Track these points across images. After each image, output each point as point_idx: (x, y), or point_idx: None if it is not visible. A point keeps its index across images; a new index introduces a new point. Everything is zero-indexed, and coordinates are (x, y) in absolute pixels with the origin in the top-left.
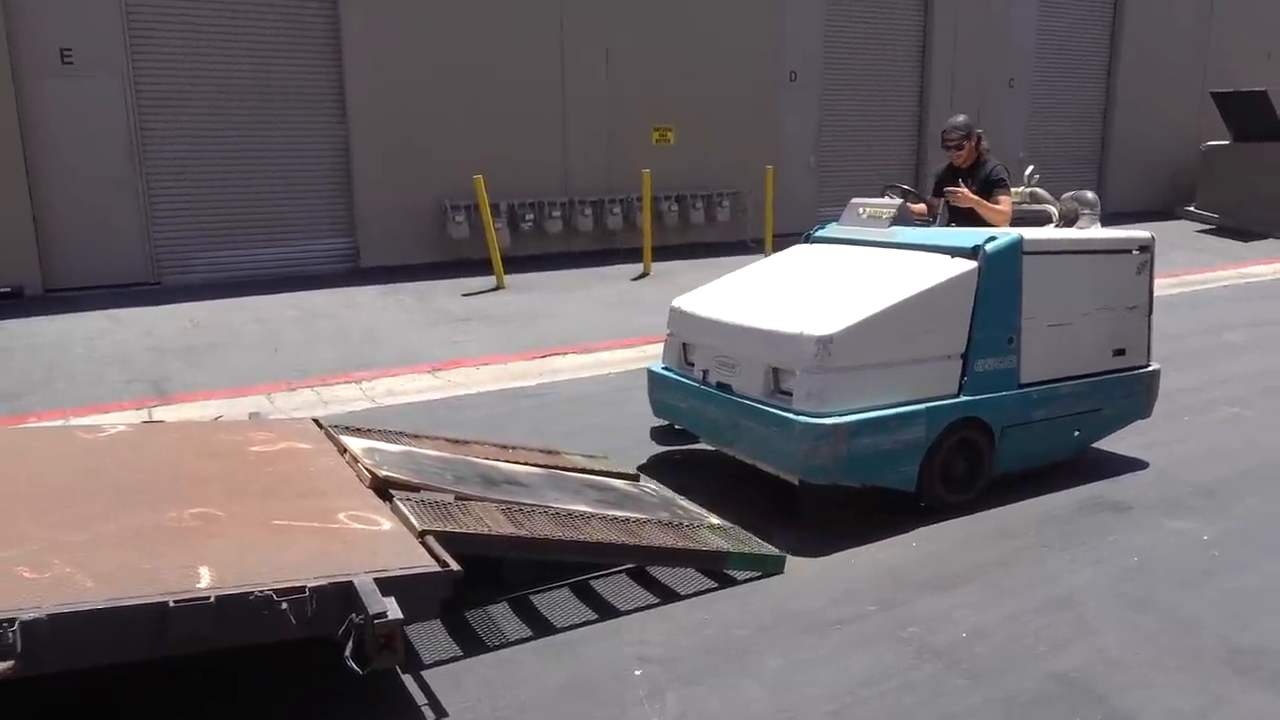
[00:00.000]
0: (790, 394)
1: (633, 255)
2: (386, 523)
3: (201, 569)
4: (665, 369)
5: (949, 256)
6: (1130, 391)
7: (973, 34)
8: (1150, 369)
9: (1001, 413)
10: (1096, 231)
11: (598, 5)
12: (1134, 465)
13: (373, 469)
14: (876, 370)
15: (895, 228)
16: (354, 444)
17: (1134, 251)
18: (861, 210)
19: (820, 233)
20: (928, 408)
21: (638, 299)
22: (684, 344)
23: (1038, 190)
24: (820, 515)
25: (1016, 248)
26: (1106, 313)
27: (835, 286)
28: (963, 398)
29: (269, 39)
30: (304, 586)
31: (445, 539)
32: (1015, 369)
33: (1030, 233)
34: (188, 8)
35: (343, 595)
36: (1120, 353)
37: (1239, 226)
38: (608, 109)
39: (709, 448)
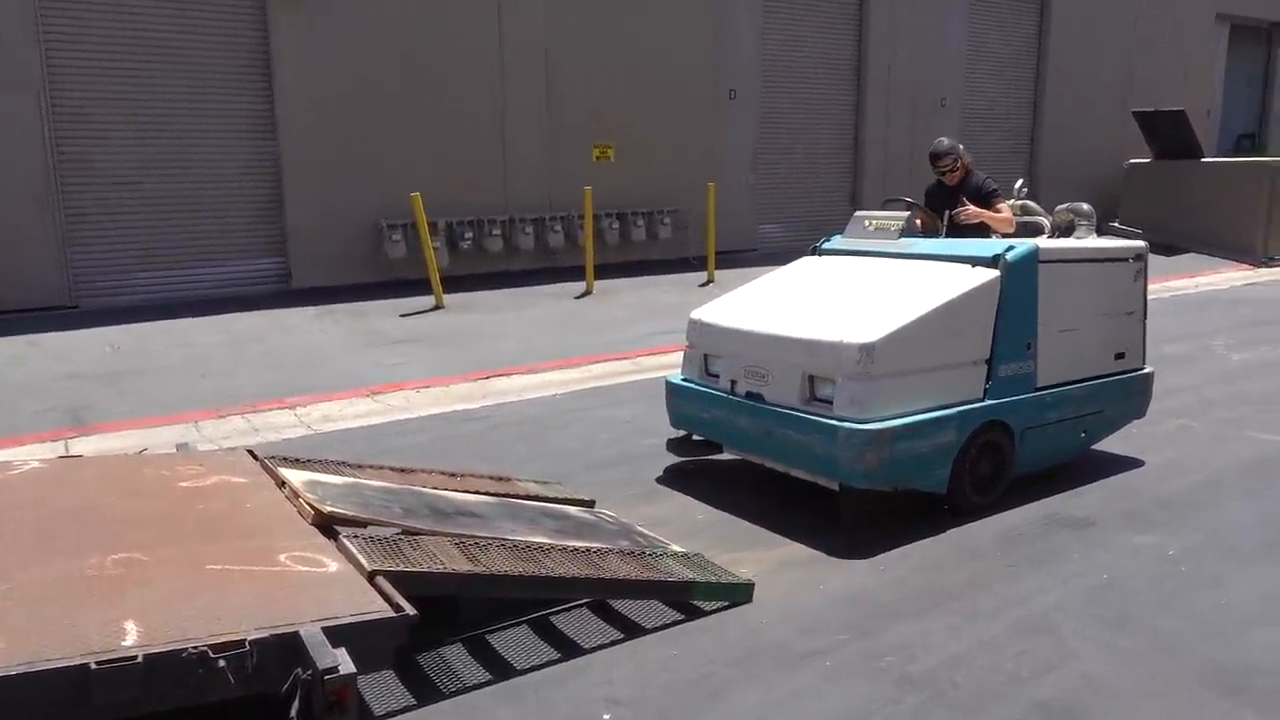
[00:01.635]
0: (827, 401)
1: (575, 273)
2: (333, 563)
3: (127, 624)
4: (685, 380)
5: (970, 266)
6: (1130, 393)
7: (906, 55)
8: (1146, 371)
9: (1022, 415)
10: (1097, 241)
11: (537, 23)
12: (1089, 478)
13: (316, 504)
14: (912, 376)
15: (906, 239)
16: (294, 476)
17: (1131, 260)
18: (868, 223)
19: (828, 245)
20: (959, 412)
21: (582, 318)
22: (705, 355)
23: (1028, 203)
24: (861, 518)
25: (1034, 257)
26: (1108, 318)
27: (864, 295)
28: (988, 401)
29: (194, 53)
30: (244, 640)
31: (397, 579)
32: (1033, 373)
33: (1044, 242)
34: (106, 21)
35: (287, 648)
36: (1120, 356)
37: (1162, 241)
38: (548, 126)
39: (733, 457)
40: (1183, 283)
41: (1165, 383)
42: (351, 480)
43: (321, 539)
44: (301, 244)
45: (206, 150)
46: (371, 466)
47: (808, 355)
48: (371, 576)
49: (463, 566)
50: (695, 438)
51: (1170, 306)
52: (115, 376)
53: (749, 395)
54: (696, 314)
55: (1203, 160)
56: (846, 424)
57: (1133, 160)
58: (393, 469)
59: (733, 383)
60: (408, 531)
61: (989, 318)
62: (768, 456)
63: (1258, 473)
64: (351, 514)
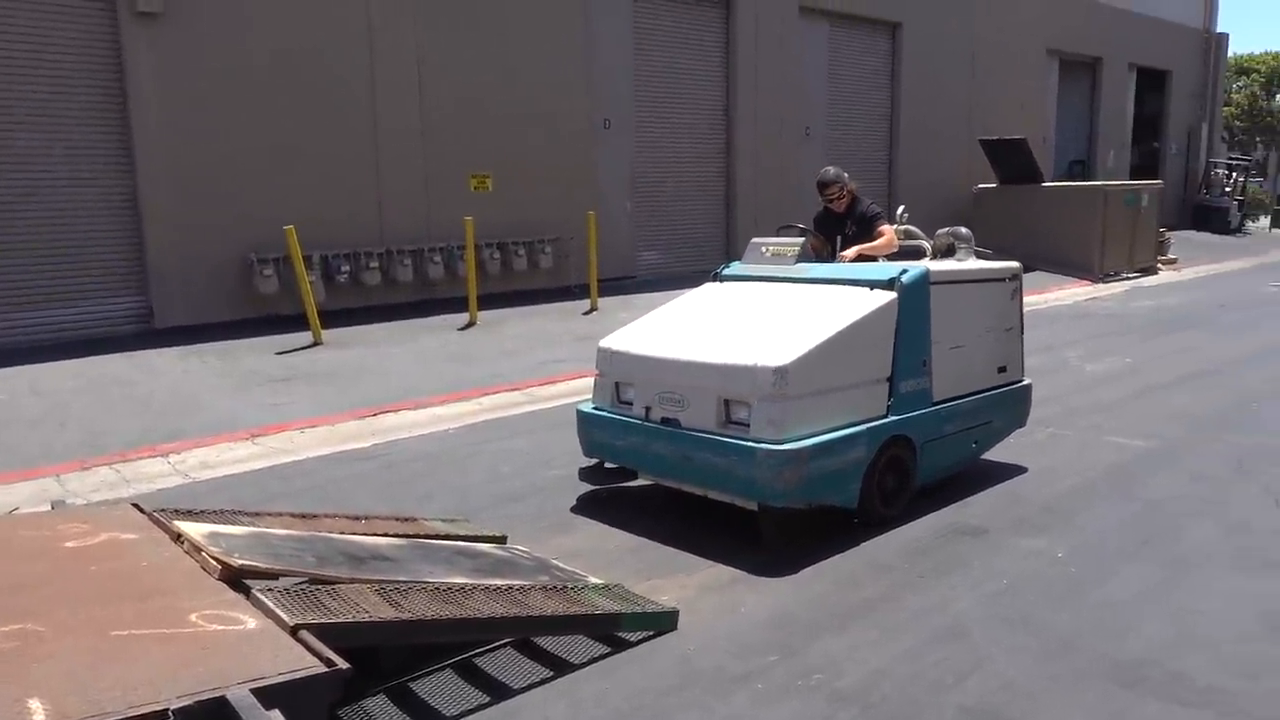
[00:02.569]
0: (743, 424)
1: (456, 305)
2: (250, 620)
3: (32, 702)
4: (597, 408)
5: (869, 289)
6: (1013, 404)
7: (771, 85)
8: (1025, 383)
9: (922, 429)
10: (978, 262)
11: (409, 51)
12: (978, 487)
13: (223, 557)
14: (823, 396)
15: (803, 264)
16: (192, 529)
17: (1008, 279)
18: (765, 249)
19: (728, 271)
20: (868, 428)
21: (467, 350)
22: (617, 383)
23: (910, 228)
24: (780, 536)
25: (926, 279)
26: (991, 334)
27: (771, 319)
28: (892, 418)
29: (44, 82)
30: (166, 710)
31: (322, 632)
32: (929, 389)
33: (934, 264)
34: None
35: (214, 714)
36: (1003, 370)
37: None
38: (424, 156)
39: (644, 482)
40: (1033, 299)
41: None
42: (254, 530)
43: (233, 594)
44: (164, 280)
45: (56, 186)
46: (270, 514)
47: (722, 380)
48: (295, 631)
49: (387, 614)
50: (607, 465)
51: (1027, 321)
52: None
53: (664, 421)
54: (606, 342)
55: (1043, 185)
56: (764, 445)
57: (981, 185)
58: (294, 515)
59: (647, 409)
60: (324, 581)
61: (889, 337)
62: (685, 481)
63: (1121, 475)
64: (264, 566)
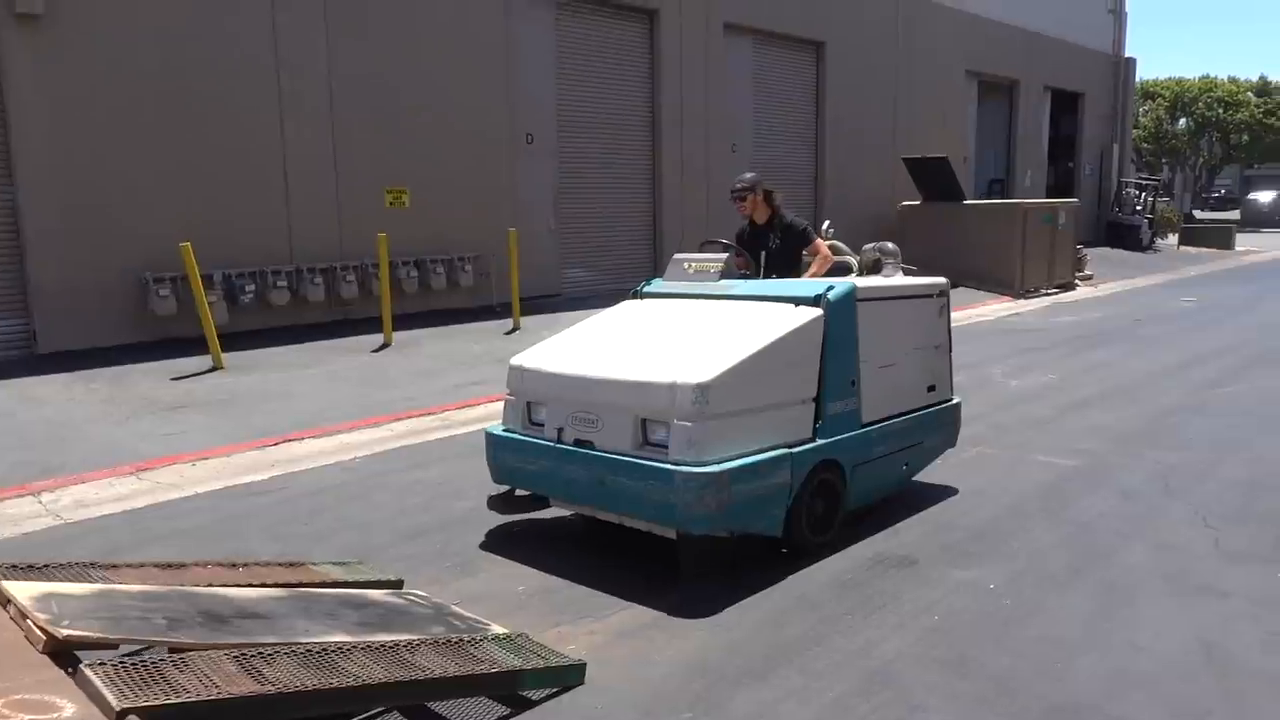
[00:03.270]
0: (662, 445)
1: (372, 325)
2: (68, 705)
3: None
4: (507, 431)
5: (794, 305)
6: (943, 424)
7: (697, 101)
8: (955, 402)
9: (851, 453)
10: (905, 278)
11: (318, 60)
12: (906, 512)
13: (47, 626)
14: (746, 416)
15: (727, 281)
16: (20, 591)
17: (935, 295)
18: (687, 265)
19: (649, 288)
20: (794, 452)
21: (381, 372)
22: (529, 403)
23: (836, 243)
24: (701, 567)
25: (853, 295)
26: (920, 352)
27: (692, 336)
28: (820, 441)
29: None
30: None
31: (156, 715)
32: (857, 410)
33: (861, 280)
34: None
35: None
36: (932, 389)
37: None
38: (335, 169)
39: (560, 513)
40: (956, 315)
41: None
42: (101, 588)
43: (56, 672)
44: (49, 301)
45: None
46: (129, 566)
47: (640, 397)
48: (121, 717)
49: (244, 688)
50: (519, 493)
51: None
52: None
53: (577, 443)
54: (517, 360)
55: (965, 202)
56: (683, 468)
57: (905, 202)
58: (157, 566)
59: (559, 430)
60: (174, 648)
61: (815, 355)
62: (600, 507)
63: (1052, 495)
64: (96, 635)
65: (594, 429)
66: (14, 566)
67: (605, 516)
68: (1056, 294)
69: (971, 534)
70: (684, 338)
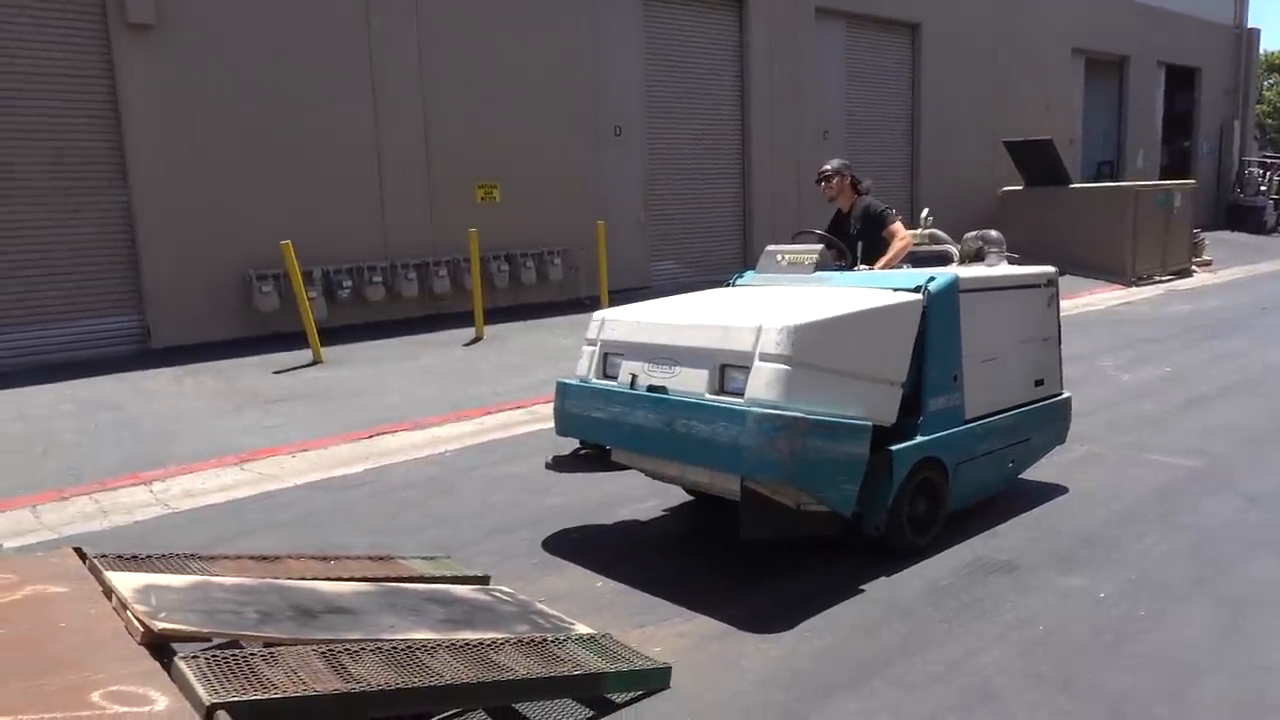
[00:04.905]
0: (737, 394)
1: (463, 319)
2: (161, 698)
3: None
4: (582, 380)
5: (892, 292)
6: (1051, 419)
7: (787, 89)
8: (1064, 397)
9: (954, 450)
10: (1010, 268)
11: (410, 60)
12: (1006, 514)
13: (145, 618)
14: (827, 376)
15: (822, 273)
16: (123, 582)
17: (1043, 285)
18: (780, 257)
19: (742, 280)
20: (893, 449)
21: (472, 366)
22: (606, 354)
23: (936, 231)
24: (760, 528)
25: (955, 286)
26: (1027, 345)
27: (784, 303)
28: (920, 438)
29: (36, 97)
30: None
31: (244, 711)
32: (961, 406)
33: (963, 271)
34: None
35: None
36: (1040, 383)
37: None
38: (428, 166)
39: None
40: (1063, 305)
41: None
42: (198, 579)
43: (151, 663)
44: (161, 299)
45: (49, 198)
46: (228, 557)
47: (722, 340)
48: (210, 712)
49: (329, 685)
50: (580, 453)
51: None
52: None
53: (650, 389)
54: (601, 313)
55: (1071, 186)
56: (758, 409)
57: (1006, 188)
58: (252, 558)
59: (633, 377)
60: (265, 643)
61: (909, 338)
62: (664, 455)
63: (1168, 499)
64: (190, 629)
65: (670, 375)
66: (119, 557)
67: (666, 470)
68: (1171, 281)
69: (1079, 539)
70: (778, 303)
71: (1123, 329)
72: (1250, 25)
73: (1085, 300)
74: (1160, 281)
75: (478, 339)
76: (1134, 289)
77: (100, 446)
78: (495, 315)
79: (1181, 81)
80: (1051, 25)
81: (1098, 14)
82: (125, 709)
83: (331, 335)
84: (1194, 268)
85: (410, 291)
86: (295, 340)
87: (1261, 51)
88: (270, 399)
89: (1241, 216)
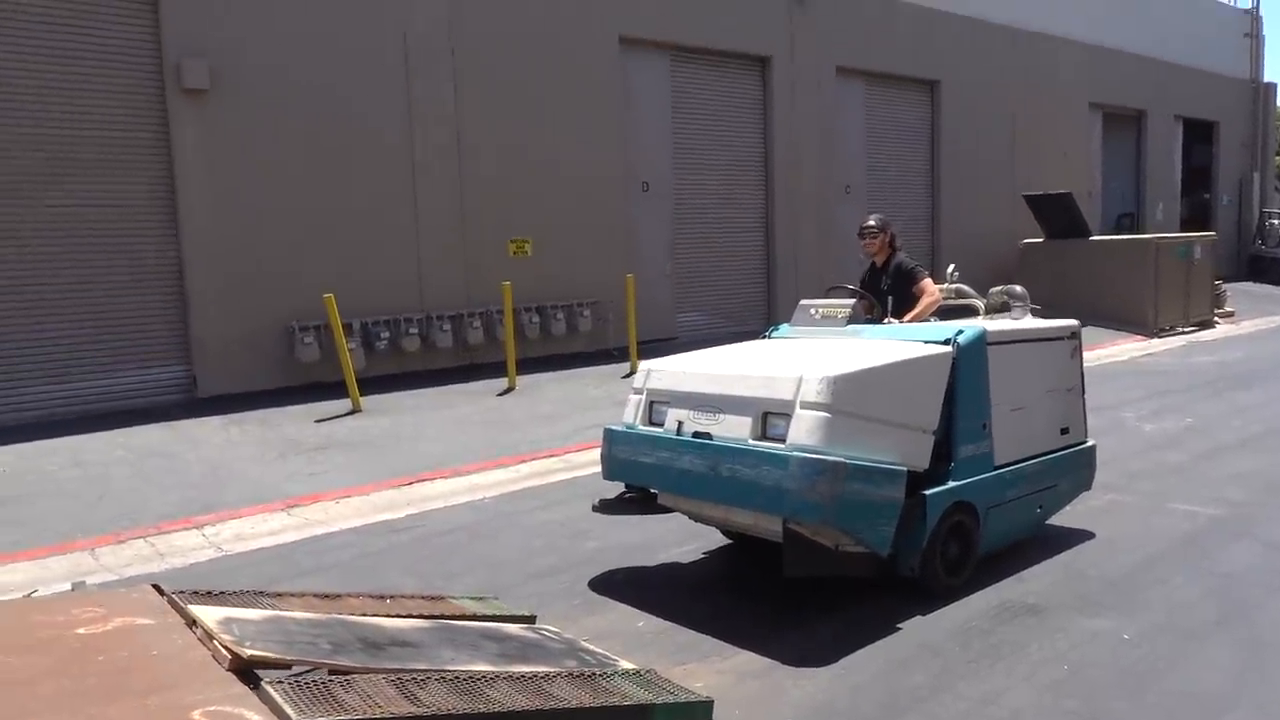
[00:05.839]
0: (779, 439)
1: (496, 370)
2: (255, 717)
3: None
4: (628, 427)
5: (924, 344)
6: (1077, 466)
7: (810, 143)
8: (1089, 444)
9: (984, 494)
10: (1035, 320)
11: (448, 123)
12: (1033, 559)
13: (234, 646)
14: (865, 424)
15: (854, 325)
16: (206, 614)
17: (1067, 338)
18: (814, 311)
19: (778, 333)
20: (926, 494)
21: (505, 415)
22: (652, 403)
23: (961, 286)
24: (802, 566)
25: (983, 339)
26: (1052, 395)
27: (821, 354)
28: (952, 484)
29: (95, 154)
30: None
31: None
32: (990, 453)
33: (991, 323)
34: None
35: None
36: (1065, 431)
37: (1059, 317)
38: (463, 222)
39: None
40: (1086, 356)
41: None
42: (272, 614)
43: (240, 687)
44: (207, 350)
45: (104, 253)
46: (293, 594)
47: (765, 389)
48: None
49: (402, 709)
50: (625, 496)
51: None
52: None
53: (695, 435)
54: (647, 363)
55: (1092, 238)
56: (799, 453)
57: (1027, 240)
58: (316, 596)
59: (679, 424)
60: (337, 670)
61: (940, 387)
62: (708, 497)
63: (1190, 546)
64: (275, 655)
65: (714, 422)
66: (195, 593)
67: (712, 512)
68: (1194, 332)
69: (1104, 583)
70: (815, 353)
71: (1145, 380)
72: (1266, 80)
73: (1109, 351)
74: (1183, 333)
75: (510, 389)
76: (1157, 340)
77: (152, 492)
78: (527, 365)
79: (1200, 135)
80: (1068, 80)
81: (1113, 69)
82: None
83: (370, 385)
84: (1217, 319)
85: (445, 342)
86: (335, 390)
87: (1279, 105)
88: (313, 446)
89: (1264, 268)
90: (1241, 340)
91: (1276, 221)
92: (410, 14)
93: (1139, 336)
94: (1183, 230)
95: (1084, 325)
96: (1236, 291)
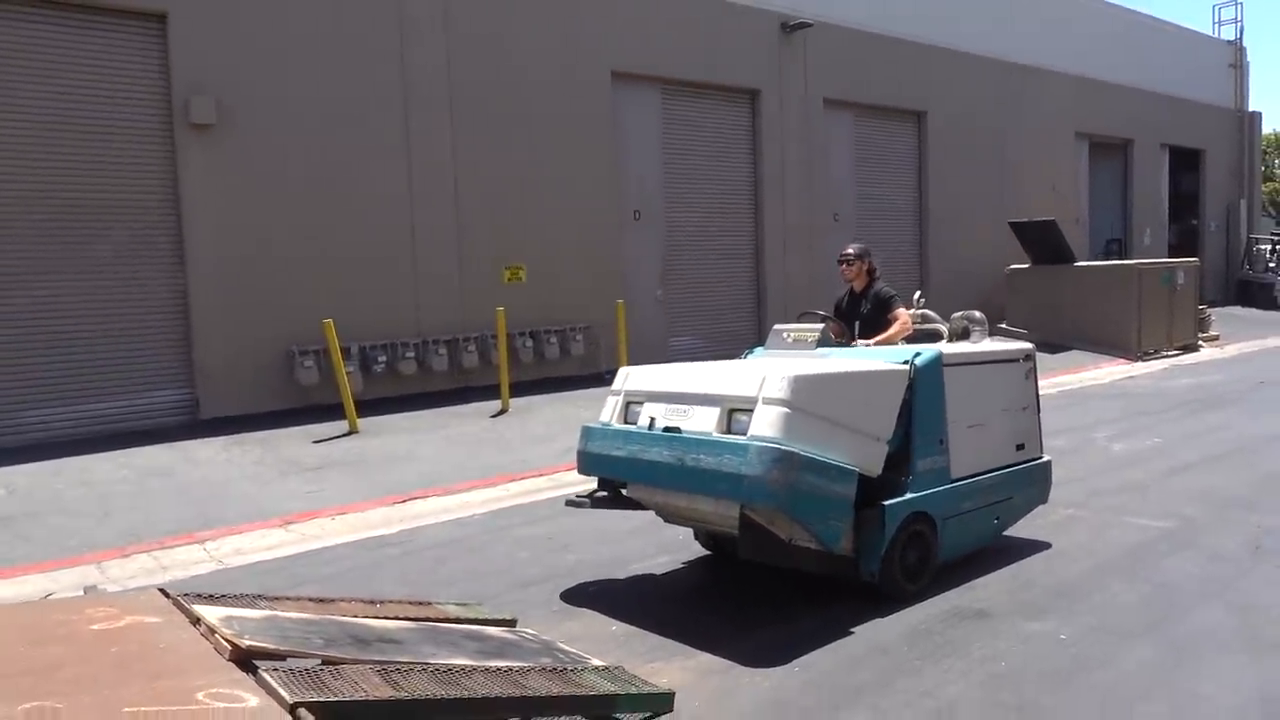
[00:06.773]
0: (744, 432)
1: (490, 392)
2: (252, 698)
3: None
4: (604, 425)
5: (884, 362)
6: (1032, 481)
7: (798, 175)
8: (1044, 460)
9: (940, 505)
10: (991, 344)
11: (444, 154)
12: (987, 568)
13: (233, 639)
14: (822, 424)
15: (823, 349)
16: (209, 613)
17: (1021, 360)
18: (786, 335)
19: (752, 355)
20: (886, 505)
21: (498, 436)
22: (629, 403)
23: (927, 311)
24: (756, 550)
25: (939, 361)
26: (1008, 413)
27: (787, 363)
28: (910, 495)
29: (106, 186)
30: None
31: (320, 710)
32: (947, 466)
33: (946, 347)
34: (2, 152)
35: None
36: (1021, 447)
37: (1047, 340)
38: (458, 249)
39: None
40: (1068, 378)
41: (1054, 474)
42: (269, 613)
43: (240, 674)
44: (210, 373)
45: (113, 280)
46: (289, 598)
47: (732, 386)
48: (294, 709)
49: (386, 693)
50: (598, 494)
51: (1056, 401)
52: (10, 520)
53: (666, 429)
54: (626, 368)
55: (1076, 264)
56: (759, 442)
57: (1013, 266)
58: (311, 600)
59: (652, 420)
60: (329, 661)
61: (895, 403)
62: (675, 488)
63: (1137, 557)
64: (270, 647)
65: (684, 418)
66: (199, 595)
67: (676, 502)
68: (1177, 356)
69: (1050, 591)
70: (779, 363)
71: (1122, 402)
72: (1251, 109)
73: (1091, 374)
74: (1166, 356)
75: (504, 411)
76: (1139, 364)
77: (156, 509)
78: (520, 389)
79: (1187, 163)
80: (1054, 110)
81: (1100, 100)
82: (225, 705)
83: (367, 407)
84: (1201, 343)
85: (440, 366)
86: (333, 412)
87: (1270, 130)
88: (310, 466)
89: (1252, 293)
90: (1222, 363)
91: (1264, 247)
92: (409, 51)
93: (1123, 360)
94: (1170, 256)
95: (1068, 349)
96: (1223, 315)
